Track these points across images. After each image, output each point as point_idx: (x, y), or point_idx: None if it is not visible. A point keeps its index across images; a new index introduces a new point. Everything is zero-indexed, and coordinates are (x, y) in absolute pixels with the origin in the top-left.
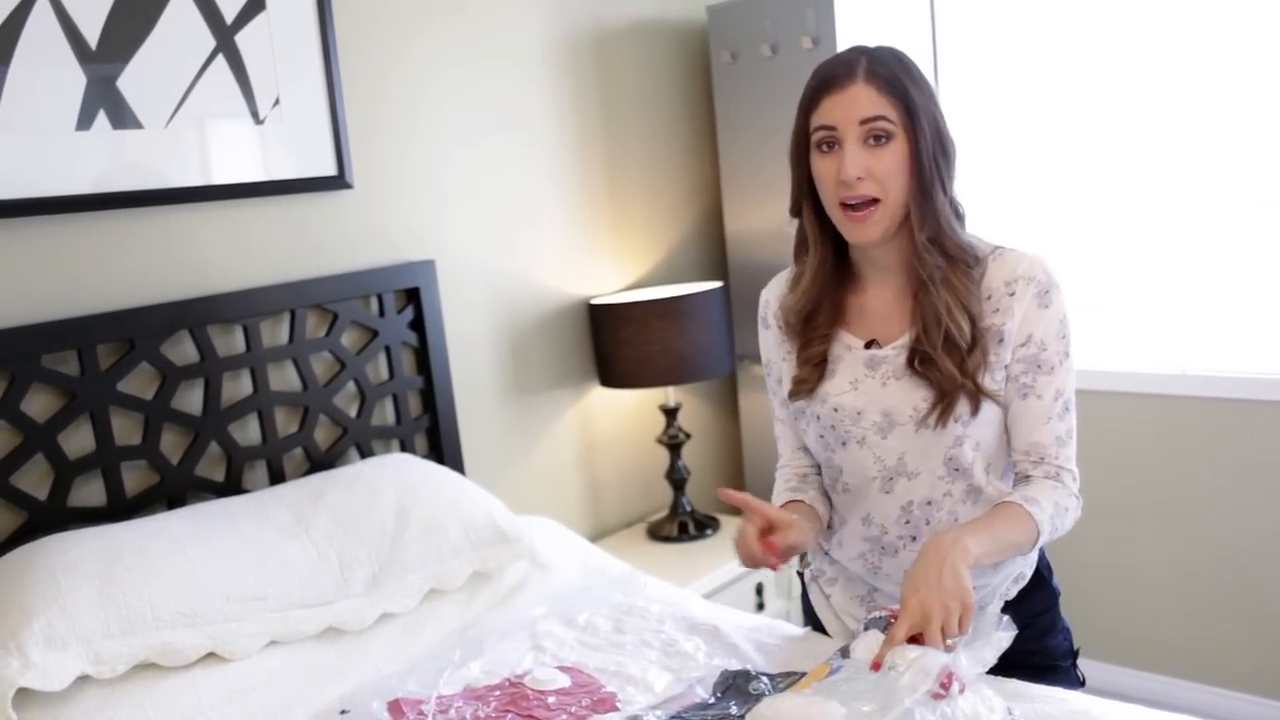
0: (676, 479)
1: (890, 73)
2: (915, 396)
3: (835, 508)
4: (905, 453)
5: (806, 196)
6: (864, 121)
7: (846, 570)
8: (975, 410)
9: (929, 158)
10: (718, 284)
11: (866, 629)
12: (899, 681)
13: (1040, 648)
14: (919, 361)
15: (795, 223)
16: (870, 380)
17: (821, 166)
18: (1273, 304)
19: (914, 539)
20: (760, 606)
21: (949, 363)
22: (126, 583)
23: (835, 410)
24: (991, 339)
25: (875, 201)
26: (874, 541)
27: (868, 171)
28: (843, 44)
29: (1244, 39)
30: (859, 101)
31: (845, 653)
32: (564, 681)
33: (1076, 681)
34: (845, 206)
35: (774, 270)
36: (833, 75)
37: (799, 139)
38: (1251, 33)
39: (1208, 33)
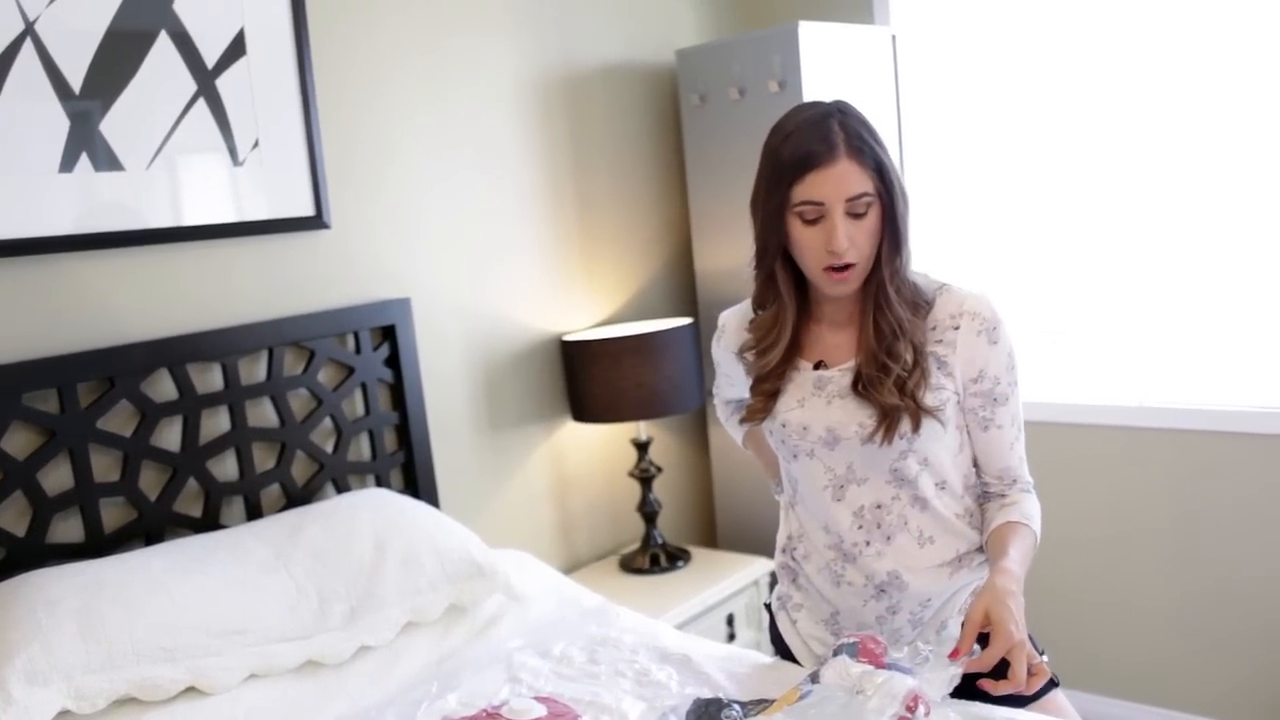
0: (648, 512)
1: (866, 144)
2: (860, 415)
3: (799, 519)
4: (853, 462)
5: (780, 256)
6: (850, 199)
7: (810, 595)
8: (916, 427)
9: (901, 219)
10: (688, 320)
11: (836, 654)
12: (866, 705)
13: (1002, 661)
14: (863, 385)
15: (754, 271)
16: (816, 399)
17: (806, 236)
18: (1230, 336)
19: (868, 543)
20: (731, 637)
21: (891, 386)
22: (108, 618)
23: (784, 426)
24: (933, 363)
25: (853, 264)
26: (835, 549)
27: (851, 241)
28: (808, 88)
29: (1194, 79)
30: (845, 180)
31: (815, 678)
32: (540, 711)
33: (1048, 682)
34: (827, 269)
35: None
36: (816, 149)
37: (776, 206)
38: (1204, 71)
39: (1161, 68)
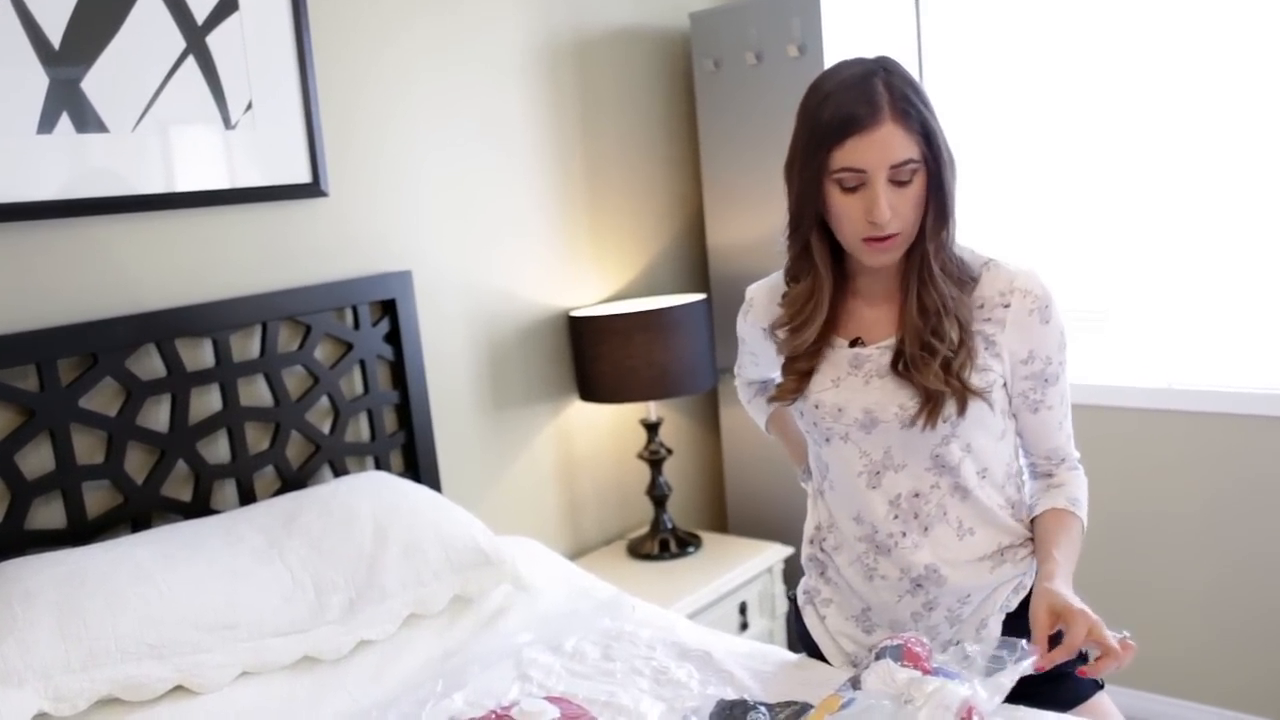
0: (658, 495)
1: (913, 106)
2: (900, 396)
3: (828, 508)
4: (891, 447)
5: (816, 226)
6: (894, 165)
7: (840, 589)
8: (962, 409)
9: (948, 188)
10: (700, 296)
11: (878, 658)
12: (916, 716)
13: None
14: (904, 365)
15: (787, 242)
16: (853, 378)
17: (845, 205)
18: (1258, 318)
19: (904, 534)
20: (744, 626)
21: (935, 366)
22: (89, 612)
23: (816, 407)
24: (980, 343)
25: (895, 234)
26: (868, 540)
27: (894, 210)
28: (829, 52)
29: (1227, 56)
30: (890, 145)
31: (856, 683)
32: (553, 713)
33: (1092, 684)
34: (867, 239)
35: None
36: (858, 111)
37: (814, 172)
38: (1234, 49)
39: (1192, 46)
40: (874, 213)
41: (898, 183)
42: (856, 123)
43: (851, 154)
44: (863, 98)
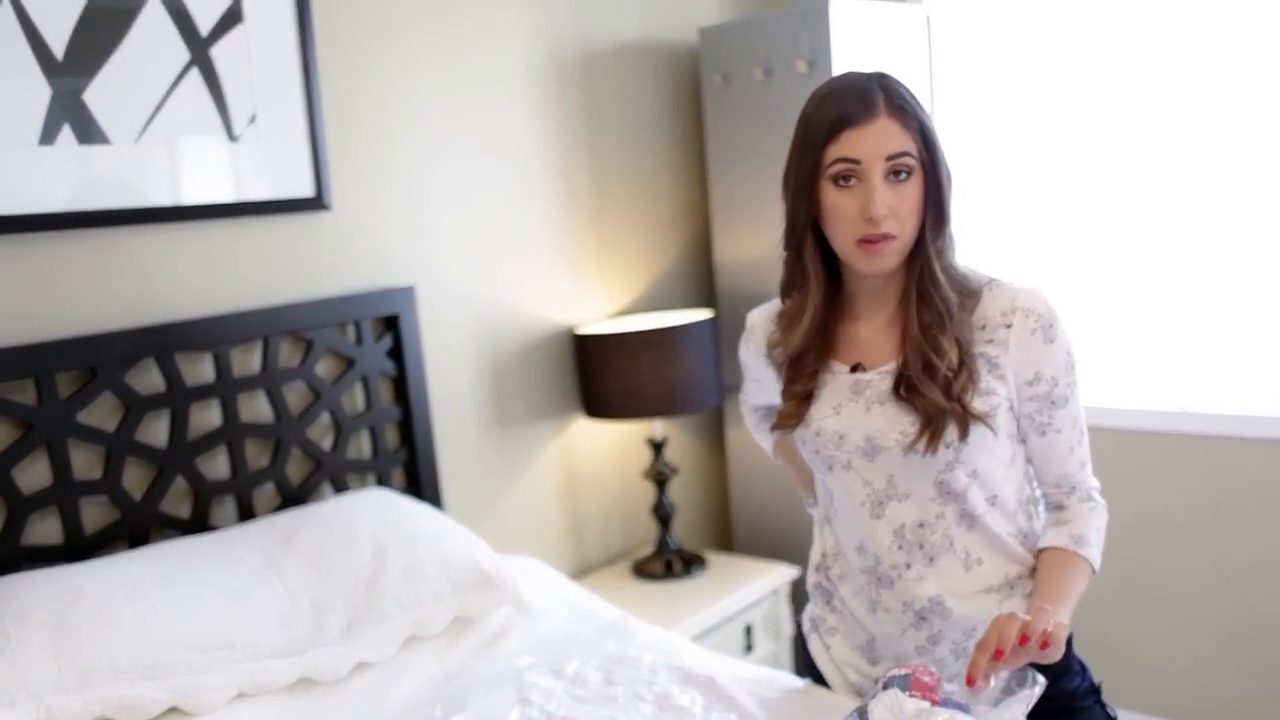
0: (663, 514)
1: (909, 105)
2: (902, 422)
3: (834, 536)
4: (894, 475)
5: (811, 233)
6: (890, 157)
7: (845, 618)
8: (964, 434)
9: (945, 194)
10: (707, 313)
11: (886, 688)
12: None
13: (1056, 692)
14: (905, 388)
15: (784, 256)
16: (854, 405)
17: (839, 201)
18: (1274, 342)
19: (908, 565)
20: (749, 648)
21: (935, 388)
22: (83, 631)
23: (818, 435)
24: (983, 365)
25: (891, 235)
26: (870, 572)
27: (892, 210)
28: (838, 68)
29: (1243, 81)
30: (886, 136)
31: (863, 714)
32: None
33: (1106, 718)
34: (862, 240)
35: (764, 300)
36: (853, 108)
37: (808, 171)
38: (1250, 76)
39: (1208, 70)
40: (869, 206)
41: (894, 176)
42: (851, 118)
43: (846, 146)
44: (858, 97)
